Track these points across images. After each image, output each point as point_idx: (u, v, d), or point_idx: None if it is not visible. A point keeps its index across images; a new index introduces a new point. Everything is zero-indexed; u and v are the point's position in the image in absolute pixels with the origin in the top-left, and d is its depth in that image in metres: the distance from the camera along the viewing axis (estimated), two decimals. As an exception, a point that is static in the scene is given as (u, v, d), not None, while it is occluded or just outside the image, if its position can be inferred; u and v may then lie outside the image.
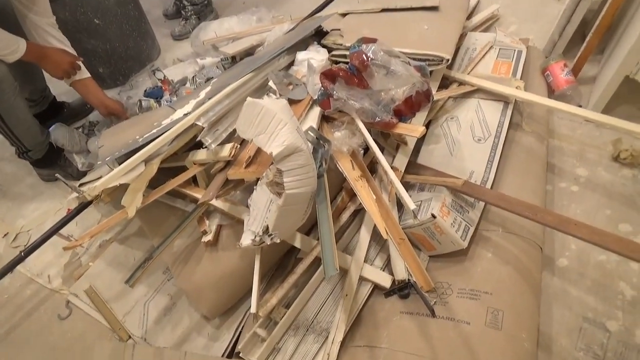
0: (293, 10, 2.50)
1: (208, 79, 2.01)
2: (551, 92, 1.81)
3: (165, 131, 1.48)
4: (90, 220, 1.81)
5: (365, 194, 1.25)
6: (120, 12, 2.18)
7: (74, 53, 1.83)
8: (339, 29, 1.83)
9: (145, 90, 2.11)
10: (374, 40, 1.40)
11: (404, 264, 1.23)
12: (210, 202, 1.41)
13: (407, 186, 1.38)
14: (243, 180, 1.42)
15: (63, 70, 1.75)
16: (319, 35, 1.86)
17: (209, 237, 1.41)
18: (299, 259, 1.37)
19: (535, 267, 1.24)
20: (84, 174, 1.89)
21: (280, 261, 1.47)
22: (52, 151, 1.94)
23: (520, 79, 1.68)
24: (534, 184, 1.43)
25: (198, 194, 1.47)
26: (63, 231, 1.63)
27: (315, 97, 1.48)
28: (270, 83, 1.53)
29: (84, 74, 1.86)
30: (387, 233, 1.19)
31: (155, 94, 2.08)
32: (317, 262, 1.33)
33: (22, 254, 1.50)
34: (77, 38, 2.08)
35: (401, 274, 1.23)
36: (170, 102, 1.97)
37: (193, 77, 2.10)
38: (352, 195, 1.44)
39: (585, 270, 1.32)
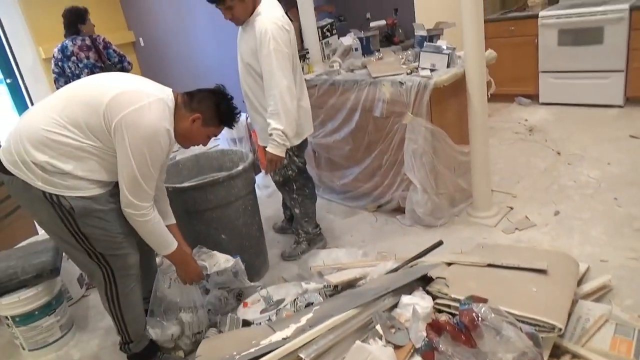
0: (398, 249, 2.64)
1: (309, 304, 2.09)
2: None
3: (264, 353, 1.51)
4: None
5: None
6: (244, 231, 2.47)
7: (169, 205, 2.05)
8: (444, 278, 1.88)
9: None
10: (484, 300, 1.42)
11: None
12: None
13: None
14: None
15: (191, 278, 1.98)
16: (423, 280, 1.91)
17: None
18: None
19: None
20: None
21: None
22: (150, 347, 2.02)
23: (646, 364, 1.53)
24: None
25: None
26: None
27: (418, 345, 1.45)
28: (377, 327, 1.54)
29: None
30: None
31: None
32: None
33: None
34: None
35: None
36: (270, 320, 2.04)
37: (295, 299, 2.19)
38: None
39: None
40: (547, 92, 4.53)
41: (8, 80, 6.48)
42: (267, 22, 2.18)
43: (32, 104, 6.54)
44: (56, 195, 1.62)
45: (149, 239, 1.81)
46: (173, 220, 2.07)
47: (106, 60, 3.72)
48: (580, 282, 2.16)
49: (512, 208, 2.92)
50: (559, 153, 3.57)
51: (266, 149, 2.28)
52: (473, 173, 2.81)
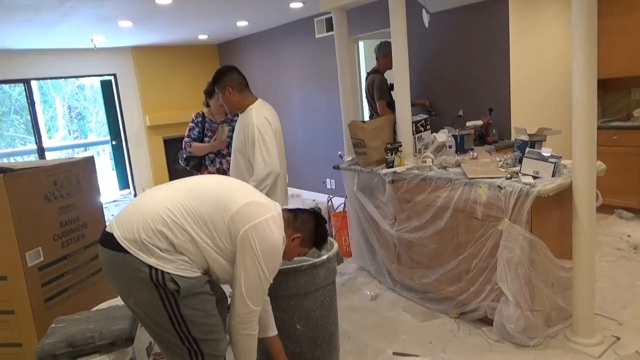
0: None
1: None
2: None
3: None
4: None
5: None
6: (320, 324, 2.34)
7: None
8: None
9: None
10: None
11: None
12: None
13: None
14: None
15: None
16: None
17: None
18: None
19: None
20: None
21: None
22: None
23: None
24: None
25: None
26: None
27: None
28: None
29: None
30: None
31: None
32: None
33: None
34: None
35: None
36: None
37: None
38: None
39: None
40: (653, 208, 4.17)
41: (114, 142, 7.09)
42: (255, 116, 2.61)
43: (130, 165, 7.06)
44: (162, 275, 1.63)
45: (241, 353, 1.83)
46: (275, 332, 2.07)
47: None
48: None
49: (618, 338, 2.57)
50: (671, 279, 3.18)
51: None
52: (574, 292, 2.54)
